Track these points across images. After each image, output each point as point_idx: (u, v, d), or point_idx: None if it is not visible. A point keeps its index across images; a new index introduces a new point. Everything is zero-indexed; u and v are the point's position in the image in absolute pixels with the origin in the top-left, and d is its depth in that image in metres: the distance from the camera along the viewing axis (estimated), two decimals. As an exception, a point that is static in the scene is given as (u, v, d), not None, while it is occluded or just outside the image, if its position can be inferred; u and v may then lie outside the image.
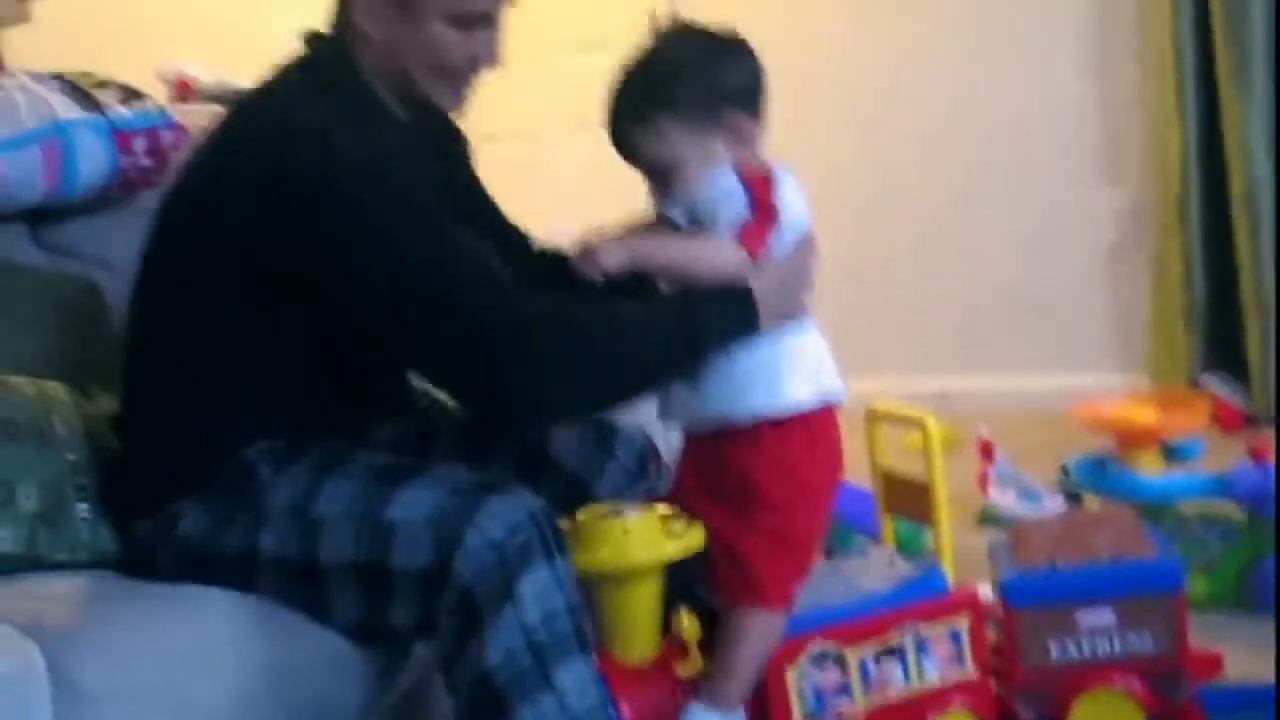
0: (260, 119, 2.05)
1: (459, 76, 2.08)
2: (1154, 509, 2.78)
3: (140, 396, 2.12)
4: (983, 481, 3.52)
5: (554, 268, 2.25)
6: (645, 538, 1.95)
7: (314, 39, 2.13)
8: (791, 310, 2.01)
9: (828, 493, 2.05)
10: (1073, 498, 3.41)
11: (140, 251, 2.16)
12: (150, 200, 2.72)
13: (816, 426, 2.02)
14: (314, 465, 2.00)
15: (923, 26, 4.73)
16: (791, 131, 4.86)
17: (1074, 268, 4.56)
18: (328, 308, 1.94)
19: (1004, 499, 3.47)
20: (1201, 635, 2.40)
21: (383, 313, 1.91)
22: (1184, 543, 2.76)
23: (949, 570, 2.16)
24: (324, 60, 2.10)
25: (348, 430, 2.11)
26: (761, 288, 1.97)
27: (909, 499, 2.24)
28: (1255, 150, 4.01)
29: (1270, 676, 2.38)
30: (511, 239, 2.40)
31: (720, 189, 1.95)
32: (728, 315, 1.97)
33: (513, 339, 1.87)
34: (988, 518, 3.44)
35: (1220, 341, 4.22)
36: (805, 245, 2.04)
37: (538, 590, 1.82)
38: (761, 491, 1.98)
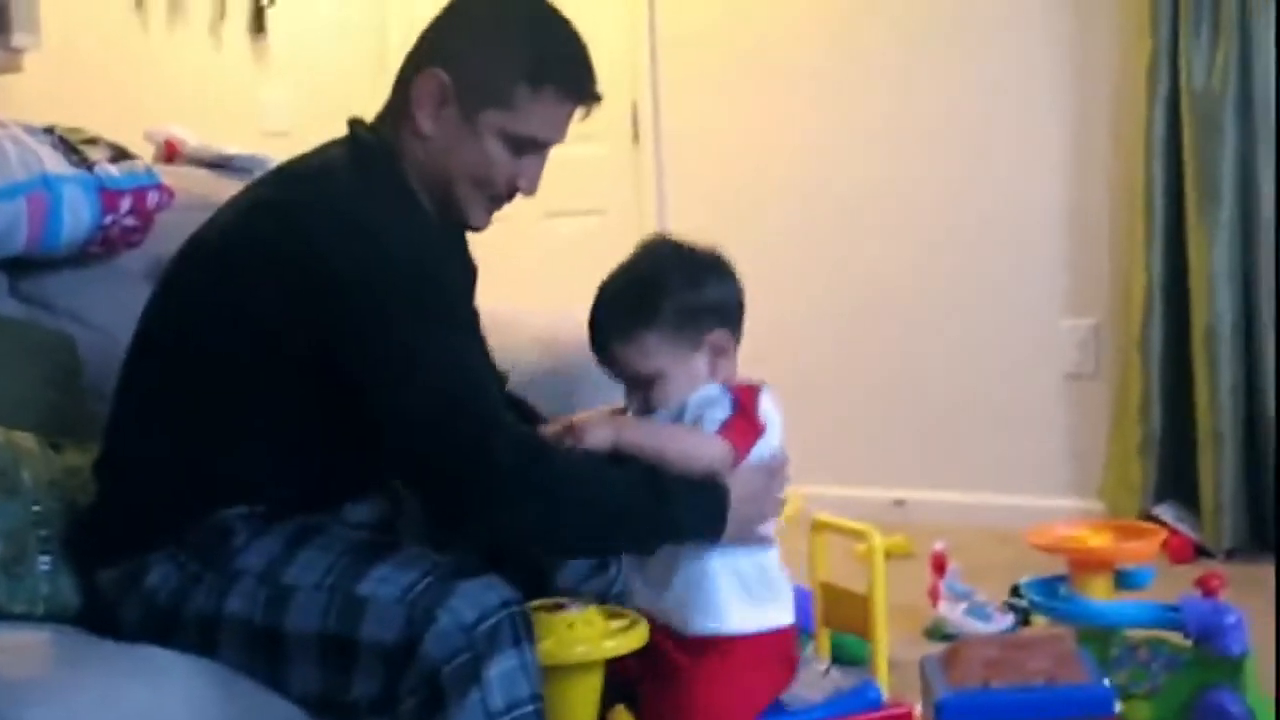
0: (302, 192, 2.07)
1: (496, 196, 2.14)
2: (1102, 634, 2.81)
3: (124, 446, 2.12)
4: (933, 594, 3.54)
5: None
6: (588, 633, 1.97)
7: (359, 124, 2.17)
8: (755, 524, 2.05)
9: (764, 702, 2.07)
10: (1022, 617, 3.44)
11: (147, 303, 2.19)
12: (131, 259, 2.76)
13: (763, 647, 2.07)
14: (288, 535, 2.01)
15: (894, 144, 4.79)
16: (764, 244, 4.99)
17: (1035, 391, 4.60)
18: (334, 392, 1.96)
19: (953, 614, 3.49)
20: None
21: (388, 411, 1.94)
22: (1130, 669, 2.78)
23: (886, 684, 2.17)
24: (367, 147, 2.14)
25: (325, 504, 2.13)
26: (734, 493, 2.02)
27: (849, 611, 2.26)
28: (1219, 287, 4.06)
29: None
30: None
31: (706, 396, 2.02)
32: (698, 505, 2.00)
33: (503, 461, 1.90)
34: (936, 631, 3.45)
35: (1175, 472, 4.25)
36: (777, 467, 2.08)
37: (505, 677, 1.84)
38: (696, 695, 2.02)
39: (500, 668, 1.84)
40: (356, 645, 1.89)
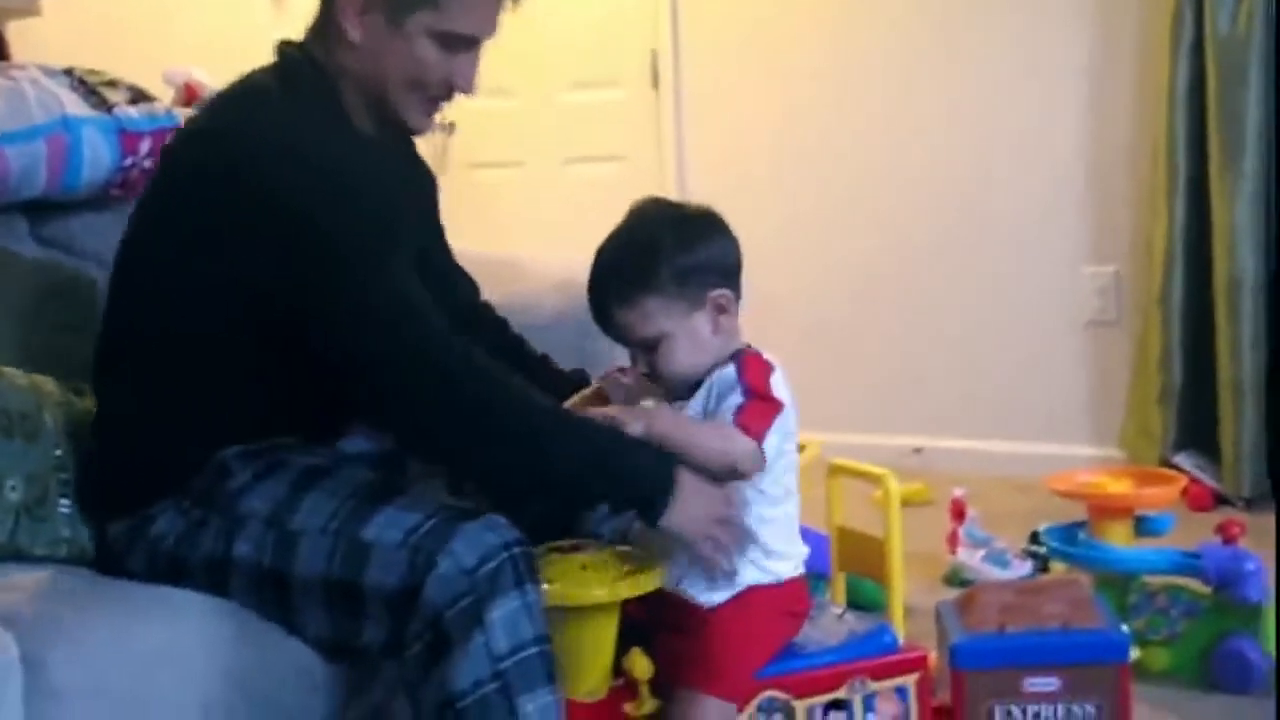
0: (231, 119, 2.08)
1: (432, 97, 2.13)
2: (1121, 580, 2.81)
3: (113, 396, 2.13)
4: (952, 541, 3.55)
5: (488, 322, 2.40)
6: (602, 575, 1.97)
7: (286, 45, 2.17)
8: (697, 529, 2.00)
9: (778, 646, 2.09)
10: (1040, 564, 3.44)
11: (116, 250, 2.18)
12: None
13: (778, 597, 2.09)
14: (293, 478, 2.02)
15: (914, 92, 4.75)
16: (783, 190, 4.97)
17: (1056, 339, 4.58)
18: (291, 317, 1.97)
19: (972, 560, 3.49)
20: (1158, 707, 2.43)
21: (324, 338, 1.94)
22: (1148, 615, 2.79)
23: (901, 628, 2.18)
24: (294, 65, 2.15)
25: (323, 433, 2.14)
26: (693, 490, 1.99)
27: (866, 556, 2.27)
28: (1240, 241, 4.03)
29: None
30: (455, 279, 2.47)
31: (725, 378, 2.02)
32: (642, 481, 1.99)
33: (437, 378, 1.91)
34: (954, 577, 3.46)
35: (1194, 421, 4.24)
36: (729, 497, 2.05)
37: (507, 619, 1.85)
38: (713, 640, 2.03)
39: (503, 610, 1.85)
40: (361, 590, 1.90)
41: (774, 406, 2.01)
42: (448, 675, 1.84)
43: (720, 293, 2.05)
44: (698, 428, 2.03)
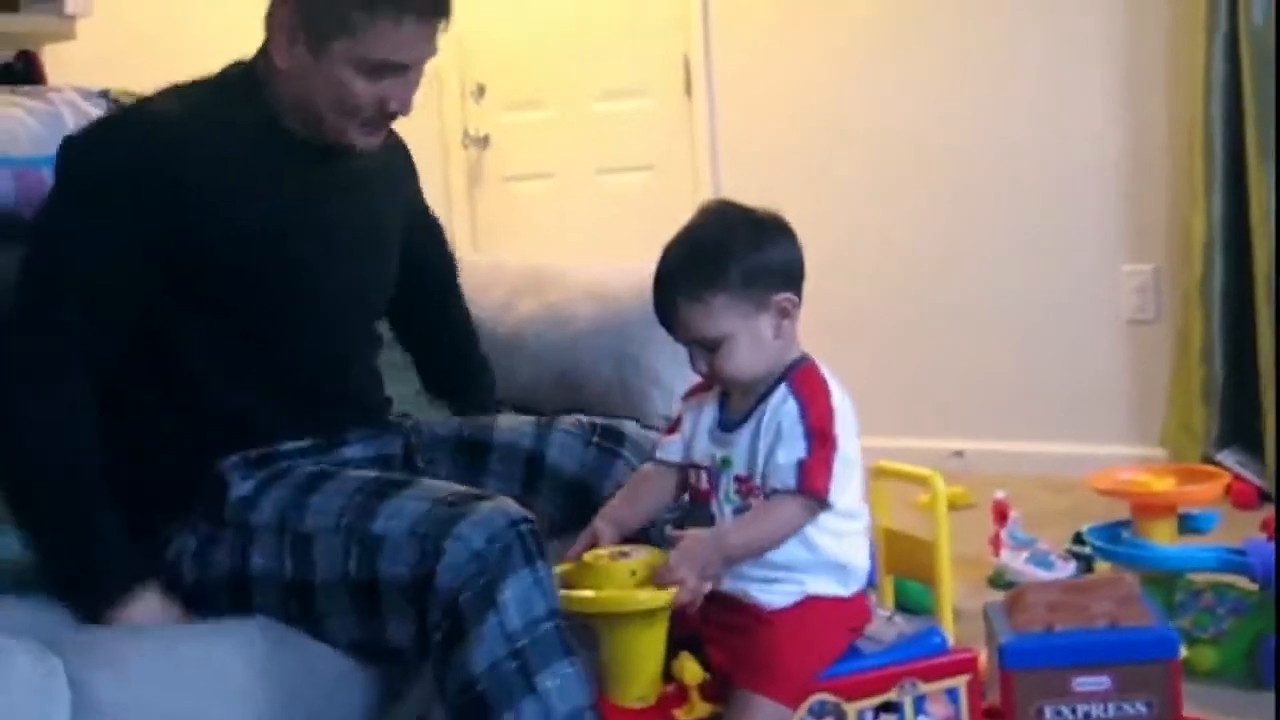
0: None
1: (367, 119, 2.13)
2: (1166, 578, 2.80)
3: (109, 423, 2.10)
4: (995, 543, 3.54)
5: (449, 311, 2.53)
6: (650, 580, 1.97)
7: (234, 64, 2.22)
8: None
9: (835, 655, 2.08)
10: (1084, 564, 3.43)
11: None
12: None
13: (840, 609, 2.08)
14: (297, 483, 2.05)
15: (949, 91, 4.76)
16: (819, 195, 4.97)
17: (1096, 338, 4.57)
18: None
19: (1015, 562, 3.48)
20: (1205, 706, 2.42)
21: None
22: (1194, 613, 2.78)
23: (950, 629, 2.17)
24: (226, 75, 2.22)
25: (324, 430, 2.17)
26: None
27: (913, 558, 2.26)
28: (1281, 232, 4.02)
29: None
30: (427, 257, 2.55)
31: (784, 409, 2.01)
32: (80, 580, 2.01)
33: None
34: (999, 579, 3.45)
35: (1237, 418, 4.22)
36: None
37: (520, 596, 1.86)
38: (770, 647, 2.02)
39: (514, 589, 1.86)
40: (379, 586, 1.92)
41: (834, 447, 2.00)
42: (465, 659, 1.85)
43: (785, 296, 2.04)
44: (761, 524, 2.00)
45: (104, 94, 2.69)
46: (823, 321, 4.70)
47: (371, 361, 2.38)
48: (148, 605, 2.00)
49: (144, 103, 2.22)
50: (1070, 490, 3.90)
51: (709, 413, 2.12)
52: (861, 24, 4.89)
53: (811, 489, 1.98)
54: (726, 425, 2.08)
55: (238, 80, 2.18)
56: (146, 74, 3.45)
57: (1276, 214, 4.01)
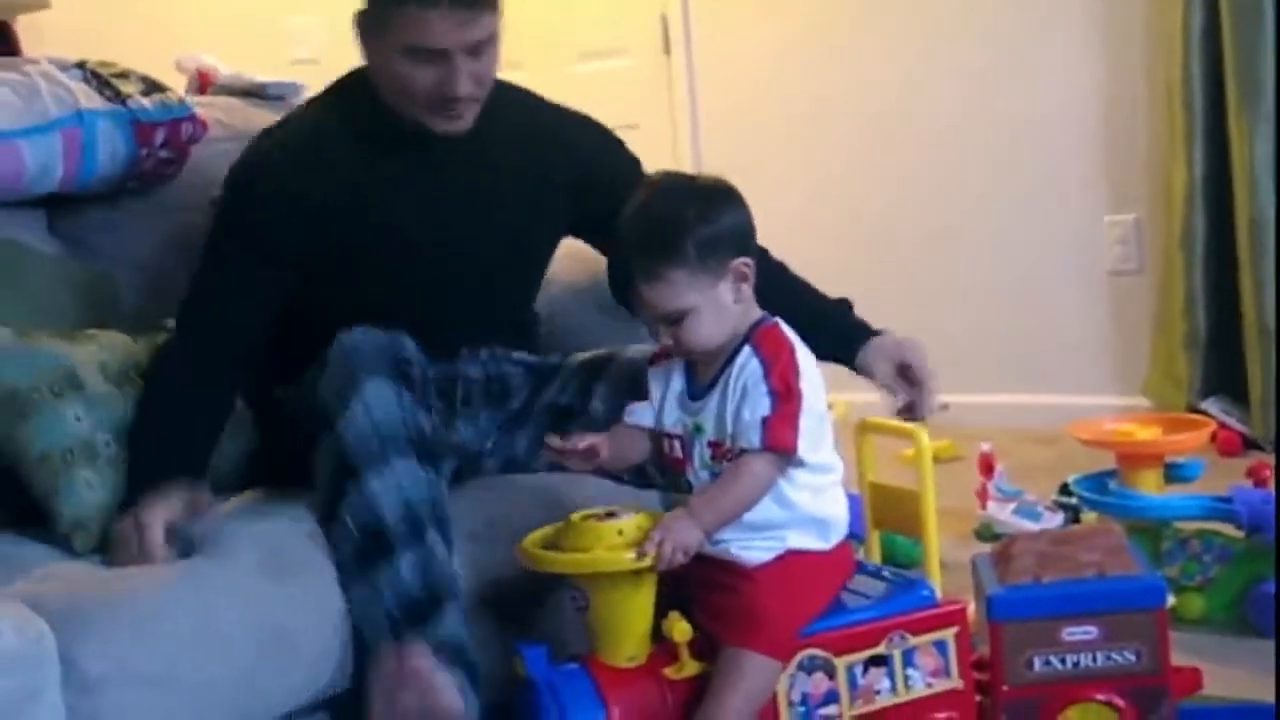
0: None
1: (435, 104, 2.28)
2: (1153, 527, 2.81)
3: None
4: (982, 496, 3.54)
5: None
6: (640, 541, 1.98)
7: (351, 72, 2.43)
8: None
9: (821, 607, 2.10)
10: (1072, 514, 3.44)
11: None
12: (168, 192, 2.76)
13: (823, 562, 2.10)
14: None
15: (927, 46, 4.74)
16: (798, 153, 4.95)
17: (1079, 291, 4.58)
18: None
19: (1002, 514, 3.49)
20: (1193, 653, 2.43)
21: None
22: (1182, 562, 2.79)
23: (938, 582, 2.18)
24: (341, 81, 2.44)
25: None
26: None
27: (899, 512, 2.27)
28: (1262, 181, 4.00)
29: (1257, 696, 2.42)
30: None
31: (749, 370, 2.02)
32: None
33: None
34: (986, 532, 3.46)
35: (1221, 367, 4.23)
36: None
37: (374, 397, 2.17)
38: (756, 602, 2.04)
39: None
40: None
41: (799, 402, 2.01)
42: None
43: (741, 261, 2.05)
44: (730, 490, 2.02)
45: (80, 65, 2.68)
46: (805, 277, 4.71)
47: (499, 315, 2.56)
48: (165, 498, 2.14)
49: (281, 130, 2.44)
50: (1055, 442, 3.91)
51: (676, 380, 2.13)
52: (838, -19, 4.88)
53: (778, 444, 1.99)
54: (695, 393, 2.10)
55: (354, 88, 2.39)
56: (122, 42, 3.45)
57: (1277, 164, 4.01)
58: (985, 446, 3.62)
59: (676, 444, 2.11)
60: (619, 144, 2.61)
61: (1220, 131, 4.12)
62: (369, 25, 2.28)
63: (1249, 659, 2.60)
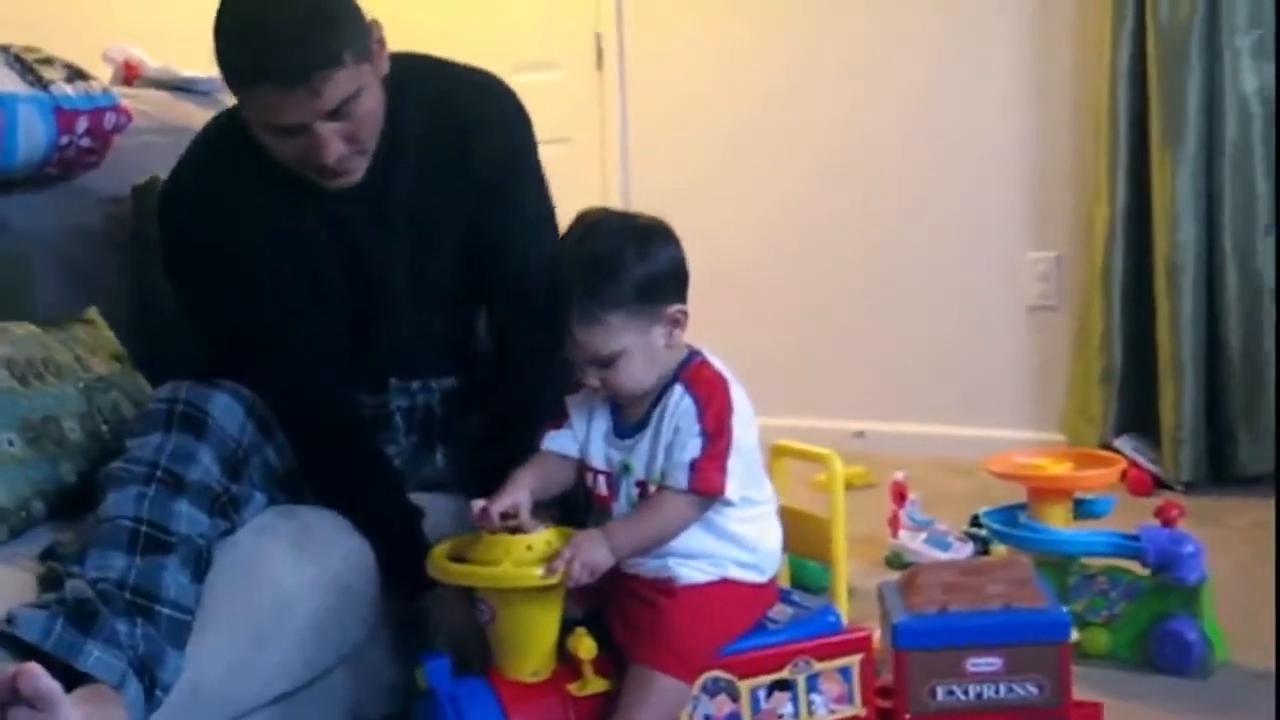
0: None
1: (308, 169, 2.14)
2: (1061, 562, 2.83)
3: None
4: (893, 524, 3.56)
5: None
6: (548, 556, 1.96)
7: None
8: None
9: (736, 634, 2.10)
10: (981, 546, 3.45)
11: None
12: (89, 181, 2.73)
13: (742, 592, 2.10)
14: None
15: (855, 75, 4.76)
16: (727, 172, 4.96)
17: (998, 324, 4.61)
18: None
19: (913, 543, 3.50)
20: (1096, 688, 2.45)
21: None
22: (1088, 597, 2.80)
23: (845, 609, 2.18)
24: (228, 127, 2.26)
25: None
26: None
27: (809, 537, 2.27)
28: (1182, 219, 4.05)
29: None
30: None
31: (680, 408, 2.01)
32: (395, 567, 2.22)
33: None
34: (896, 560, 3.47)
35: (1135, 404, 4.27)
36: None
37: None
38: (670, 625, 2.03)
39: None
40: None
41: (729, 442, 2.01)
42: None
43: (677, 308, 2.03)
44: (649, 523, 2.02)
45: (4, 49, 2.64)
46: (728, 300, 4.73)
47: (428, 346, 2.46)
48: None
49: (186, 169, 2.31)
50: (970, 473, 3.93)
51: (602, 416, 2.11)
52: (774, 4, 4.89)
53: (705, 488, 1.99)
54: (623, 431, 2.08)
55: (243, 131, 2.18)
56: (50, 30, 3.40)
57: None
58: (899, 475, 3.63)
59: (602, 480, 2.10)
60: (519, 144, 2.47)
61: (1143, 168, 4.16)
62: (230, 91, 2.13)
63: (1152, 695, 2.62)
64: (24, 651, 1.80)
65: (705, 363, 2.07)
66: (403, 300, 2.35)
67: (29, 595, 1.94)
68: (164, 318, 2.67)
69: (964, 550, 3.47)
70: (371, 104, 2.11)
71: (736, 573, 2.07)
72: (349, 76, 2.04)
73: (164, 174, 2.71)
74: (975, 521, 3.44)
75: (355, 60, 2.05)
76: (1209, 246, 4.08)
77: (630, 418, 2.08)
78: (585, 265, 1.99)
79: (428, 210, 2.31)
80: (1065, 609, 2.32)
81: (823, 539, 2.24)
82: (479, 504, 2.00)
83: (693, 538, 2.04)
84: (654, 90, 5.13)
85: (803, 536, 2.30)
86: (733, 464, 2.01)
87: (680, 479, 1.99)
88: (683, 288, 2.05)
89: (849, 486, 4.20)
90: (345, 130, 2.09)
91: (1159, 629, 2.74)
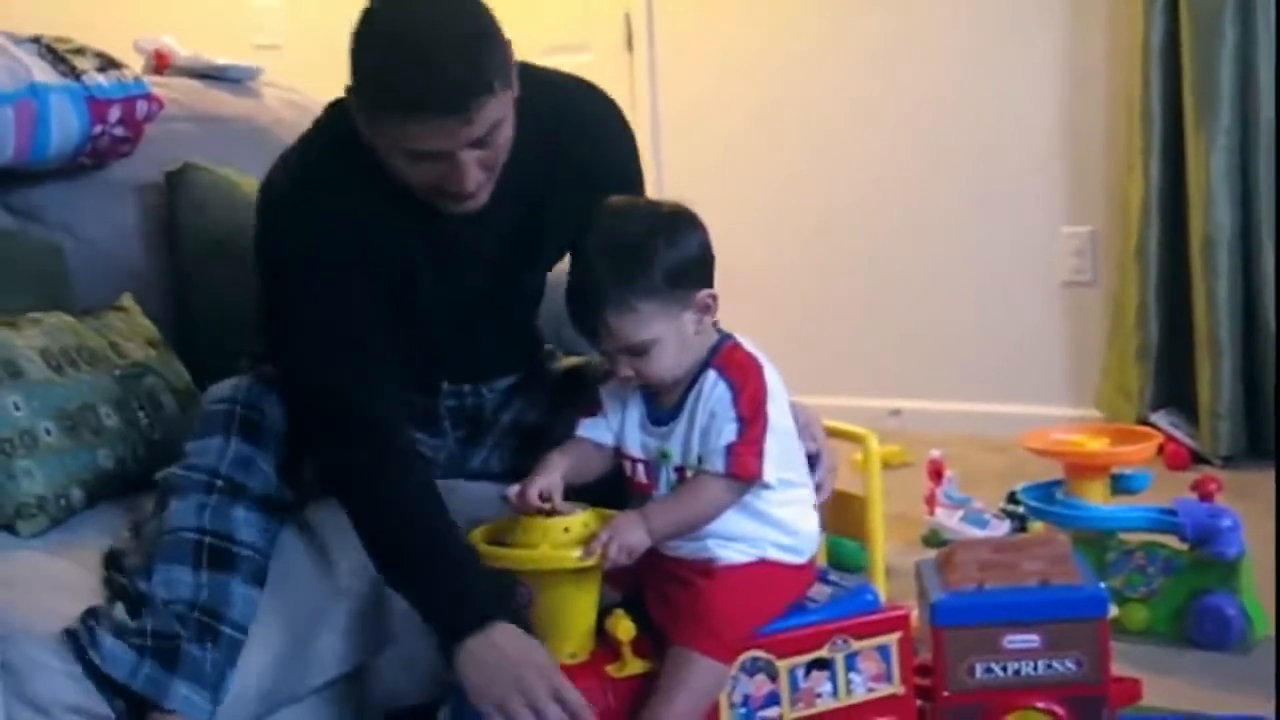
0: (270, 170, 2.22)
1: (438, 195, 2.06)
2: (1098, 538, 2.82)
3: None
4: (930, 502, 3.55)
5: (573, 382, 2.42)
6: (585, 538, 1.97)
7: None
8: (483, 693, 2.01)
9: (774, 614, 2.09)
10: (1018, 523, 3.45)
11: None
12: (121, 170, 2.75)
13: (781, 573, 2.09)
14: None
15: (890, 55, 4.75)
16: (759, 153, 4.94)
17: (1033, 299, 4.59)
18: None
19: (950, 521, 3.49)
20: (1135, 664, 2.45)
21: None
22: (1126, 573, 2.80)
23: (883, 587, 2.18)
24: (332, 130, 2.17)
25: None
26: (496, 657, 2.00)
27: (846, 516, 2.26)
28: (1217, 197, 4.03)
29: (1197, 708, 2.45)
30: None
31: (716, 396, 2.00)
32: (439, 616, 2.07)
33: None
34: (933, 538, 3.46)
35: (1171, 380, 4.25)
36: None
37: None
38: (710, 605, 2.02)
39: None
40: None
41: (765, 426, 2.00)
42: None
43: (707, 293, 2.02)
44: (687, 506, 2.02)
45: (35, 39, 2.65)
46: (762, 279, 4.72)
47: (484, 354, 2.40)
48: (505, 632, 2.02)
49: (293, 167, 2.21)
50: (1006, 450, 3.92)
51: (635, 404, 2.10)
52: (803, -17, 4.88)
53: (742, 472, 1.99)
54: (658, 418, 2.08)
55: (351, 136, 2.09)
56: (82, 19, 3.42)
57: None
58: (935, 453, 3.62)
59: (640, 468, 2.09)
60: (626, 145, 2.43)
61: (1177, 146, 4.14)
62: (361, 109, 2.03)
63: (1190, 671, 2.62)
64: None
65: (737, 346, 2.06)
66: (482, 315, 2.31)
67: (76, 588, 2.01)
68: (199, 304, 2.69)
69: (1001, 528, 3.46)
70: (509, 131, 2.04)
71: (775, 554, 2.07)
72: (498, 105, 1.98)
73: (197, 161, 2.75)
74: (1012, 498, 3.43)
75: (503, 87, 1.99)
76: (1244, 223, 4.06)
77: (665, 404, 2.07)
78: (616, 254, 1.99)
79: (538, 222, 2.25)
80: (1103, 585, 2.31)
81: (859, 518, 2.23)
82: (514, 488, 2.00)
83: (732, 521, 2.04)
84: (684, 71, 5.11)
85: (840, 516, 2.29)
86: (769, 446, 2.00)
87: (717, 463, 1.99)
88: (710, 272, 2.05)
89: (885, 465, 4.19)
90: (485, 158, 2.02)
91: (1197, 604, 2.73)
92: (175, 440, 2.24)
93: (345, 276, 2.11)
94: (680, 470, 2.05)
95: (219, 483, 2.09)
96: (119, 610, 1.98)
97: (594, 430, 2.12)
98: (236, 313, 2.48)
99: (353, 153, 2.07)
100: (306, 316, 2.13)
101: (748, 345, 2.07)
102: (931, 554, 2.52)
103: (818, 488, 2.16)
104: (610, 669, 2.03)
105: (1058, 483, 2.90)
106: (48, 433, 2.18)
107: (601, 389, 2.14)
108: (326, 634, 2.17)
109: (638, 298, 1.96)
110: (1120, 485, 2.87)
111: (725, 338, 2.07)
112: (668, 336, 1.99)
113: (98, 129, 2.62)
